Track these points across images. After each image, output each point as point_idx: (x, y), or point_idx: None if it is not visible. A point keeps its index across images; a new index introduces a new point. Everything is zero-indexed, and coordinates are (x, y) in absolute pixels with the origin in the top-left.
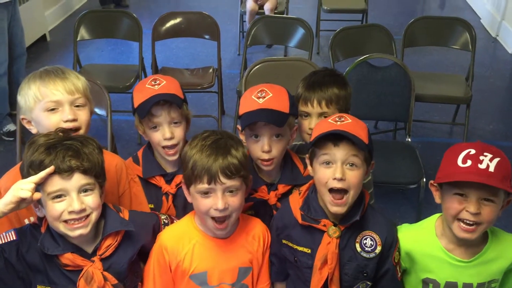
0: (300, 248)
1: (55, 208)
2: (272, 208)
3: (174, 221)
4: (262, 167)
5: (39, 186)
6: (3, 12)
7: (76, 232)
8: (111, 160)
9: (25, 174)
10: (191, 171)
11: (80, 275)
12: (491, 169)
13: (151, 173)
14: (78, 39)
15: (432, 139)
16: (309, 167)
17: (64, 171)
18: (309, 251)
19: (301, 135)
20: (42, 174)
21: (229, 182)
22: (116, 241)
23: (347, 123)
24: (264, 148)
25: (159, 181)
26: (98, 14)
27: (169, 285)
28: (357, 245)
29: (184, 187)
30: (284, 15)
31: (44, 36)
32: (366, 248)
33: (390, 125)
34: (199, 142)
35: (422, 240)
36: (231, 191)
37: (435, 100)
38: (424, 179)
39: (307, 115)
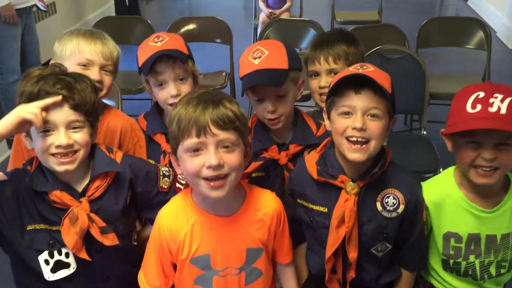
0: (315, 207)
1: (43, 141)
2: (283, 168)
3: (179, 177)
4: (270, 127)
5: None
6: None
7: (62, 167)
8: (117, 121)
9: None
10: (177, 127)
11: (65, 215)
12: (503, 111)
13: (153, 130)
14: None
15: None
16: (326, 121)
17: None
18: (326, 210)
19: (312, 97)
20: (49, 101)
21: (222, 134)
22: (106, 182)
23: (370, 70)
24: (269, 109)
25: (160, 138)
26: (112, 20)
27: (171, 273)
28: (378, 204)
29: (172, 158)
30: (297, 18)
31: None
32: (388, 207)
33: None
34: (184, 98)
35: (443, 190)
36: (226, 147)
37: (451, 98)
38: (441, 169)
39: (316, 74)
